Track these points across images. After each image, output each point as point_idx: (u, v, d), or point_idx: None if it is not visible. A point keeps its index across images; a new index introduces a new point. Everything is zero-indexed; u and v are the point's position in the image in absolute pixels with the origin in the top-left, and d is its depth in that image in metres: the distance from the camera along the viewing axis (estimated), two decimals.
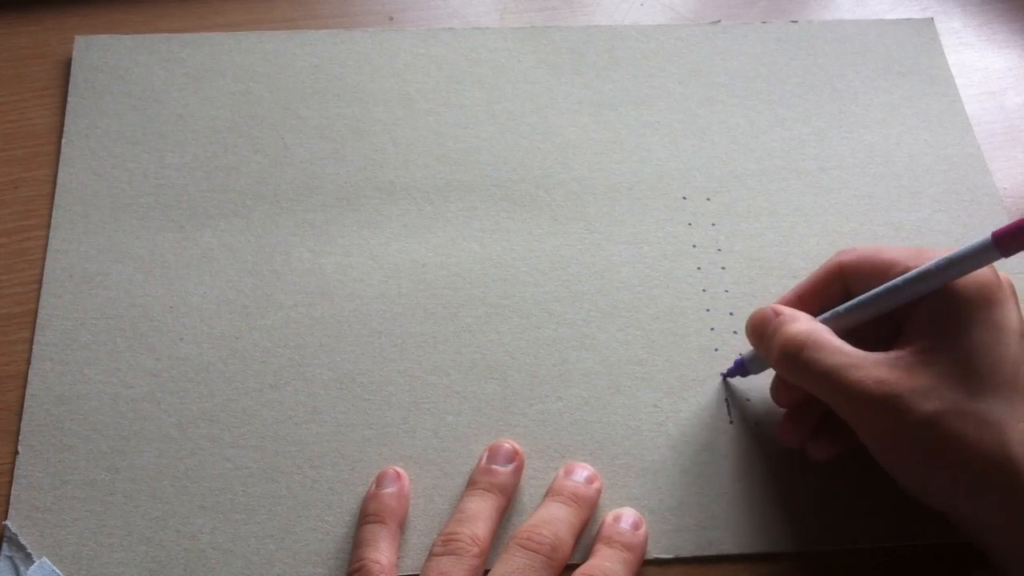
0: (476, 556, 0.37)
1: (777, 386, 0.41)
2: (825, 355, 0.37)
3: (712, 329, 0.45)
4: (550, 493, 0.40)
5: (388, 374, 0.43)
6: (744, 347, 0.45)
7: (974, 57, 0.56)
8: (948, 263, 0.36)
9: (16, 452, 0.40)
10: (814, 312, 0.40)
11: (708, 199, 0.49)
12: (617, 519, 0.40)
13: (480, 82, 0.52)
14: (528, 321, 0.45)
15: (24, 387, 0.42)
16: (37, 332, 0.43)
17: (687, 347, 0.45)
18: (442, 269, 0.46)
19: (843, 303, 0.39)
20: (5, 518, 0.39)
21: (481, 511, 0.39)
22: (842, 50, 0.55)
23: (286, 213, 0.47)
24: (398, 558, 0.39)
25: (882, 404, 0.35)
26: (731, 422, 0.43)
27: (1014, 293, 0.37)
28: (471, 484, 0.40)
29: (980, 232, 0.37)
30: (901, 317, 0.38)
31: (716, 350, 0.45)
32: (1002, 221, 0.49)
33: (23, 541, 0.38)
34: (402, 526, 0.40)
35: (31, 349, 0.43)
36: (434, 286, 0.46)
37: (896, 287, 0.37)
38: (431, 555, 0.38)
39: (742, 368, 0.43)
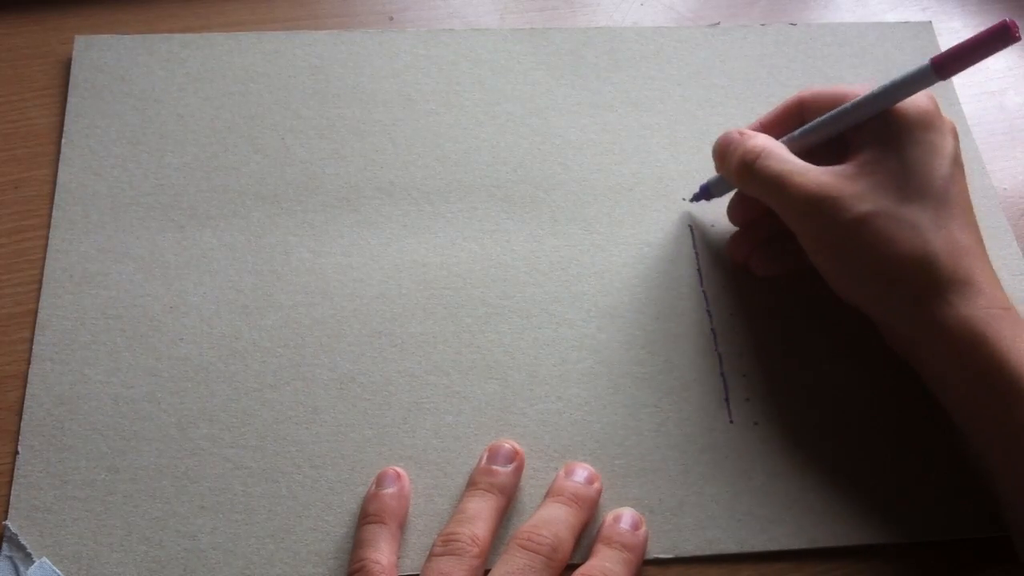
0: (476, 556, 0.37)
1: (734, 204, 0.46)
2: (776, 163, 0.41)
3: (712, 330, 0.45)
4: (550, 494, 0.40)
5: (388, 374, 0.43)
6: (748, 347, 0.45)
7: None
8: (892, 86, 0.40)
9: (16, 452, 0.40)
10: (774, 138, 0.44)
11: (708, 200, 0.49)
12: (617, 519, 0.40)
13: (480, 83, 0.52)
14: (528, 321, 0.45)
15: (24, 387, 0.42)
16: (37, 332, 0.43)
17: (687, 347, 0.45)
18: (442, 269, 0.46)
19: None
20: (5, 518, 0.39)
21: (481, 511, 0.39)
22: (841, 52, 0.55)
23: (286, 213, 0.47)
24: (398, 558, 0.39)
25: (819, 204, 0.40)
26: (731, 422, 0.43)
27: (955, 132, 0.42)
28: (471, 484, 0.40)
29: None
30: (850, 141, 0.42)
31: (716, 350, 0.45)
32: (1001, 222, 0.49)
33: (23, 541, 0.38)
34: (402, 526, 0.40)
35: (31, 349, 0.43)
36: (434, 286, 0.46)
37: (845, 111, 0.41)
38: (431, 555, 0.38)
39: (707, 192, 0.47)
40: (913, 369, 0.42)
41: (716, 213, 0.48)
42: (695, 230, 0.48)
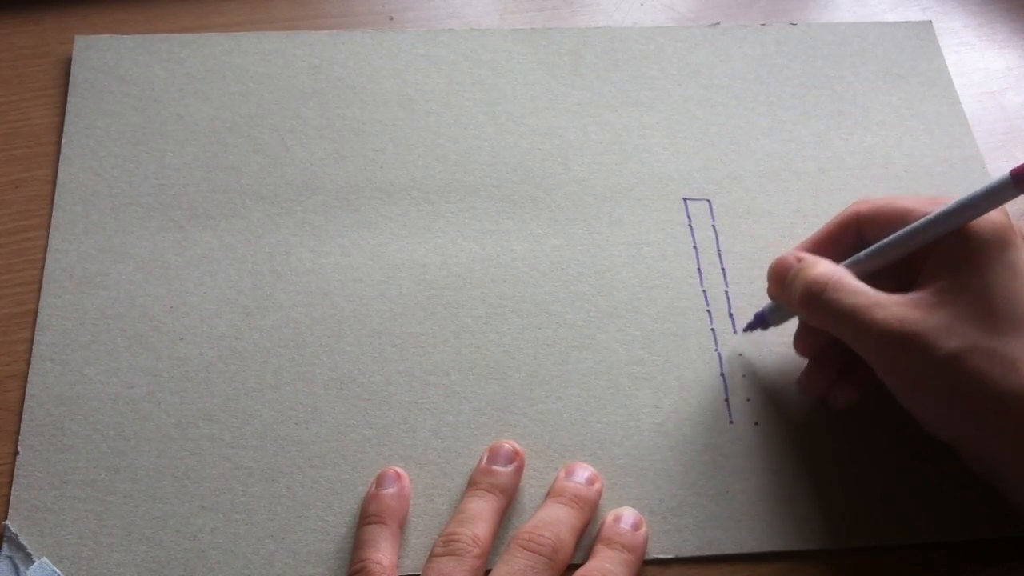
0: (477, 557, 0.37)
1: (800, 335, 0.43)
2: (847, 295, 0.38)
3: (712, 330, 0.45)
4: (551, 494, 0.40)
5: (388, 374, 0.43)
6: (747, 350, 0.45)
7: (974, 57, 0.56)
8: (966, 203, 0.36)
9: (16, 452, 0.40)
10: (830, 259, 0.40)
11: (708, 200, 0.49)
12: (617, 519, 0.40)
13: (480, 83, 0.52)
14: (528, 321, 0.45)
15: (24, 387, 0.42)
16: (37, 332, 0.43)
17: (687, 347, 0.45)
18: (442, 269, 0.46)
19: (857, 250, 0.40)
20: (5, 518, 0.39)
21: (482, 511, 0.39)
22: (841, 52, 0.55)
23: (286, 213, 0.47)
24: (399, 558, 0.39)
25: (904, 342, 0.36)
26: (731, 422, 0.43)
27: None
28: (472, 484, 0.40)
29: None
30: (917, 262, 0.39)
31: (716, 350, 0.45)
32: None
33: (23, 541, 0.38)
34: (403, 526, 0.40)
35: (31, 349, 0.43)
36: (434, 286, 0.46)
37: (916, 230, 0.38)
38: (432, 556, 0.38)
39: (762, 320, 0.44)
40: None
41: (719, 212, 0.48)
42: (695, 230, 0.48)
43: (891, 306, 0.37)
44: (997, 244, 0.37)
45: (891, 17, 0.57)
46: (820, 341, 0.42)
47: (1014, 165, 0.35)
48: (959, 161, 0.51)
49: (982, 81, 0.55)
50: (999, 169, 0.51)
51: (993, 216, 0.37)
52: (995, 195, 0.36)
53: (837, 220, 0.42)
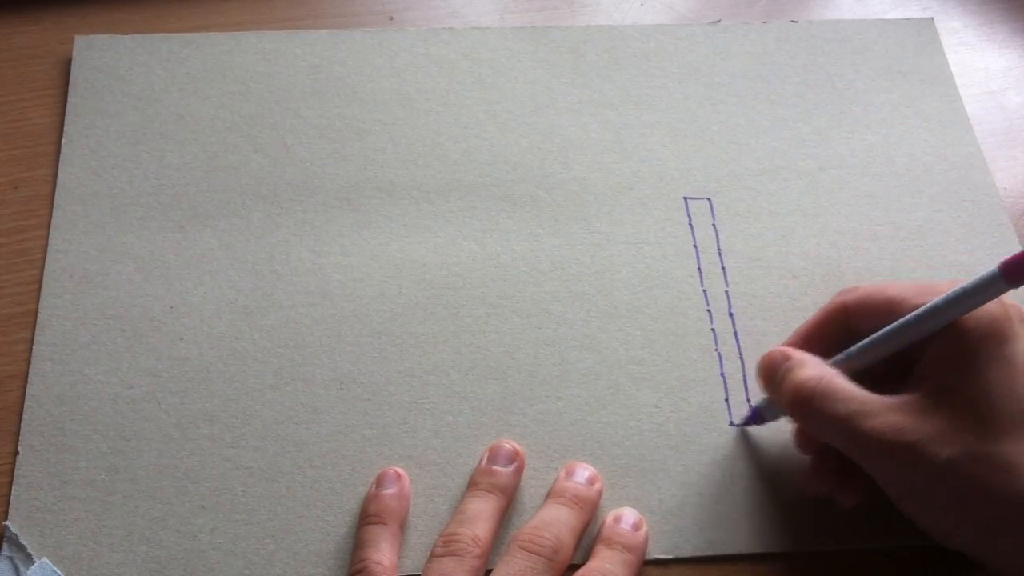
0: (477, 557, 0.37)
1: (798, 435, 0.41)
2: (837, 404, 0.36)
3: (712, 329, 0.45)
4: (551, 495, 0.40)
5: (388, 374, 0.43)
6: (747, 347, 0.45)
7: (974, 57, 0.56)
8: (956, 298, 0.35)
9: (16, 452, 0.40)
10: (820, 352, 0.39)
11: (708, 199, 0.49)
12: (617, 520, 0.40)
13: (480, 82, 0.52)
14: (528, 321, 0.45)
15: (24, 387, 0.42)
16: (37, 332, 0.43)
17: (687, 347, 0.45)
18: (442, 269, 0.46)
19: (847, 341, 0.39)
20: (5, 518, 0.39)
21: (482, 512, 0.39)
22: (842, 50, 0.55)
23: (286, 213, 0.47)
24: (399, 558, 0.39)
25: (898, 452, 0.35)
26: (731, 422, 0.43)
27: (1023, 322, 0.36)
28: (472, 485, 0.40)
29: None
30: (911, 353, 0.37)
31: (716, 350, 0.45)
32: (1002, 221, 0.49)
33: (23, 541, 0.38)
34: (403, 526, 0.40)
35: (31, 349, 0.43)
36: (434, 286, 0.46)
37: (904, 326, 0.36)
38: (432, 556, 0.38)
39: (758, 416, 0.42)
40: None
41: (720, 214, 0.48)
42: (695, 229, 0.48)
43: (883, 413, 0.35)
44: (993, 339, 0.35)
45: (892, 15, 0.57)
46: (818, 441, 0.40)
47: (1003, 258, 0.33)
48: (960, 159, 0.51)
49: (982, 81, 0.55)
50: (1000, 169, 0.51)
51: (988, 308, 0.35)
52: (984, 290, 0.34)
53: (824, 311, 0.41)
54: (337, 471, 0.41)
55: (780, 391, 0.39)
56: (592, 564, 0.38)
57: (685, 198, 0.49)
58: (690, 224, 0.48)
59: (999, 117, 0.53)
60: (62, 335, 0.43)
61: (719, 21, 0.56)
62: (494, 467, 0.40)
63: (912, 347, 0.37)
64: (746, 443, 0.42)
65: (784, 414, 0.41)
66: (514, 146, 0.50)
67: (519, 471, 0.41)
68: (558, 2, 0.57)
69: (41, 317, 0.44)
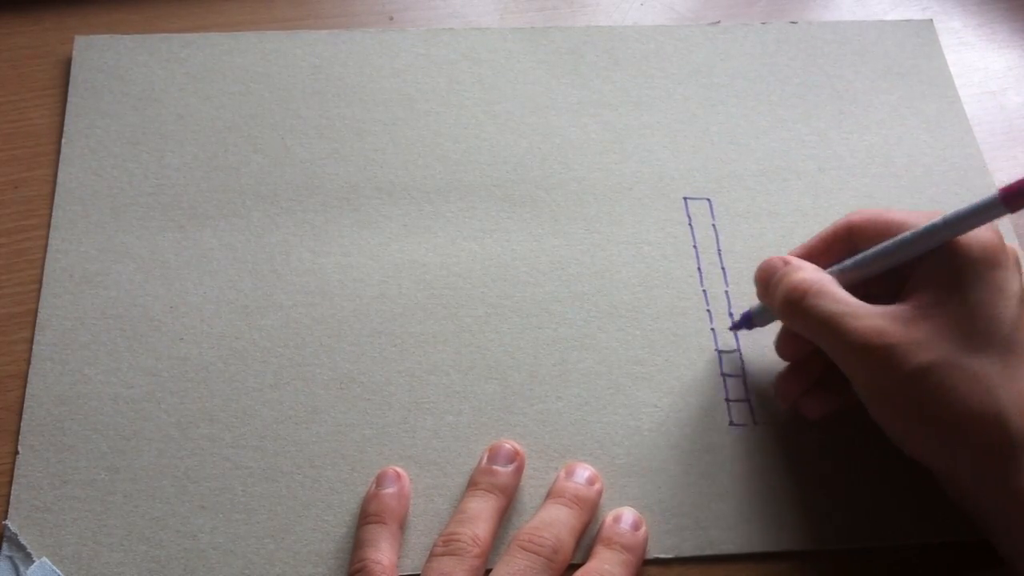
0: (477, 556, 0.37)
1: (782, 338, 0.42)
2: (827, 303, 0.38)
3: (712, 329, 0.45)
4: (551, 495, 0.40)
5: (388, 374, 0.43)
6: (746, 347, 0.45)
7: (974, 57, 0.56)
8: (954, 218, 0.36)
9: (16, 452, 0.40)
10: (821, 267, 0.40)
11: (708, 199, 0.49)
12: (617, 519, 0.40)
13: (480, 82, 0.52)
14: (528, 321, 0.45)
15: (24, 387, 0.42)
16: (37, 332, 0.43)
17: (687, 347, 0.45)
18: (442, 269, 0.46)
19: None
20: (5, 518, 0.39)
21: (482, 511, 0.39)
22: (842, 51, 0.55)
23: (286, 213, 0.47)
24: (399, 558, 0.39)
25: (878, 353, 0.36)
26: (731, 422, 0.43)
27: (1018, 264, 0.38)
28: (472, 484, 0.40)
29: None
30: (906, 275, 0.38)
31: (716, 350, 0.45)
32: (1002, 221, 0.49)
33: (23, 541, 0.38)
34: (402, 526, 0.40)
35: (31, 349, 0.43)
36: (434, 286, 0.46)
37: (902, 242, 0.38)
38: (432, 555, 0.38)
39: (748, 321, 0.44)
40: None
41: (719, 210, 0.48)
42: (695, 229, 0.48)
43: (869, 317, 0.37)
44: (984, 263, 0.36)
45: (891, 16, 0.57)
46: (802, 347, 0.41)
47: (1004, 184, 0.35)
48: (959, 160, 0.51)
49: (982, 81, 0.55)
50: (999, 169, 0.51)
51: (983, 234, 0.37)
52: (982, 213, 0.36)
53: (831, 228, 0.41)
54: (337, 471, 0.41)
55: (775, 292, 0.40)
56: (591, 564, 0.38)
57: (685, 198, 0.49)
58: (690, 224, 0.48)
59: (999, 117, 0.53)
60: (62, 335, 0.43)
61: (719, 22, 0.56)
62: (494, 467, 0.40)
63: (906, 269, 0.38)
64: (746, 443, 0.42)
65: (774, 320, 0.42)
66: (514, 146, 0.50)
67: (519, 471, 0.41)
68: (558, 2, 0.57)
69: (41, 317, 0.44)
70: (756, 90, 0.53)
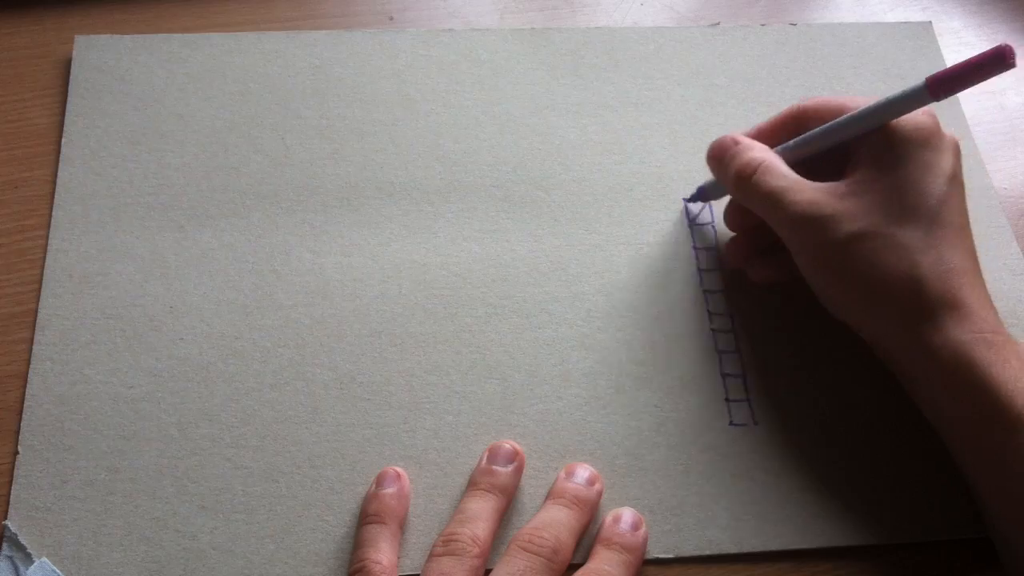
0: (477, 557, 0.37)
1: (731, 211, 0.46)
2: (772, 179, 0.41)
3: (712, 329, 0.45)
4: (551, 495, 0.40)
5: (388, 374, 0.43)
6: (746, 355, 0.45)
7: None
8: (887, 103, 0.39)
9: (16, 452, 0.40)
10: (769, 148, 0.43)
11: (704, 202, 0.49)
12: (617, 520, 0.40)
13: (480, 83, 0.52)
14: (528, 321, 0.45)
15: (24, 387, 0.42)
16: (37, 332, 0.43)
17: (687, 347, 0.45)
18: (442, 269, 0.46)
19: None
20: (5, 518, 0.39)
21: (482, 512, 0.39)
22: (841, 52, 0.55)
23: (286, 213, 0.47)
24: (399, 558, 0.39)
25: (810, 222, 0.40)
26: (731, 422, 0.43)
27: (956, 149, 0.41)
28: (472, 485, 0.40)
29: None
30: (849, 155, 0.41)
31: (716, 350, 0.45)
32: (1001, 222, 0.49)
33: (23, 541, 0.38)
34: (402, 526, 0.40)
35: (31, 349, 0.43)
36: (434, 286, 0.46)
37: (840, 124, 0.41)
38: (432, 555, 0.38)
39: (703, 193, 0.48)
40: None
41: (717, 215, 0.48)
42: (695, 230, 0.48)
43: (807, 191, 0.40)
44: (917, 143, 0.39)
45: (891, 18, 0.57)
46: (749, 220, 0.45)
47: (930, 74, 0.38)
48: None
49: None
50: (999, 169, 0.51)
51: (918, 117, 0.40)
52: (911, 99, 0.39)
53: (783, 113, 0.44)
54: (337, 471, 0.41)
55: (727, 168, 0.43)
56: (591, 565, 0.38)
57: (685, 199, 0.49)
58: (690, 225, 0.48)
59: (999, 117, 0.53)
60: (62, 335, 0.43)
61: (718, 23, 0.56)
62: (494, 467, 0.40)
63: (850, 148, 0.41)
64: (746, 443, 0.42)
65: (725, 195, 0.46)
66: (514, 147, 0.50)
67: (519, 471, 0.41)
68: (558, 3, 0.57)
69: (41, 317, 0.44)
70: (756, 91, 0.53)
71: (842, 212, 0.39)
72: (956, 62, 0.37)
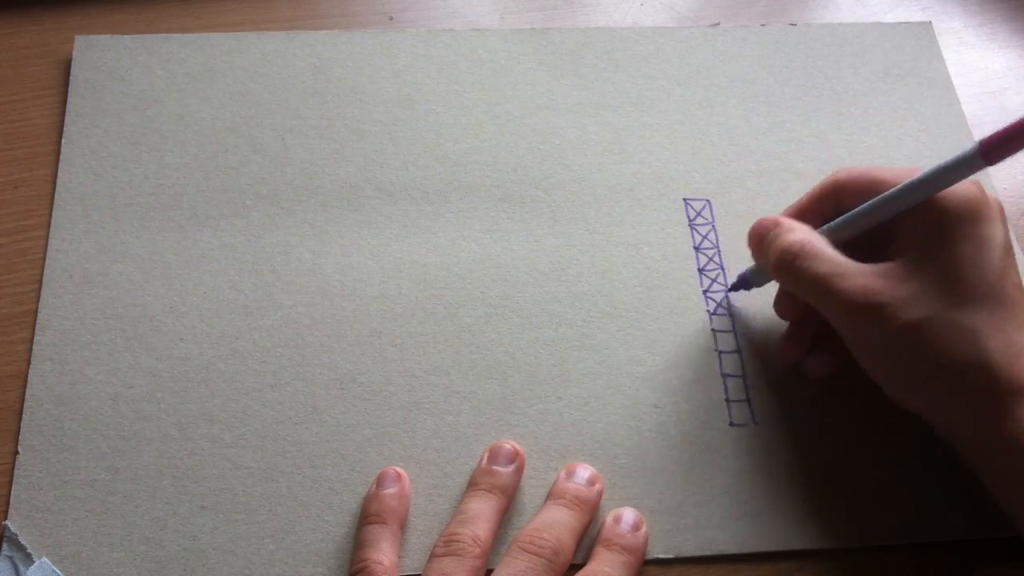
0: (478, 557, 0.37)
1: (780, 298, 0.44)
2: (818, 263, 0.39)
3: (712, 330, 0.45)
4: (552, 496, 0.40)
5: (388, 374, 0.43)
6: (747, 355, 0.45)
7: (974, 57, 0.56)
8: (935, 173, 0.37)
9: (16, 452, 0.40)
10: (812, 227, 0.41)
11: (708, 200, 0.49)
12: (617, 520, 0.40)
13: (480, 83, 0.52)
14: (528, 321, 0.45)
15: (24, 387, 0.42)
16: (37, 332, 0.43)
17: (687, 347, 0.45)
18: (442, 269, 0.46)
19: (836, 218, 0.41)
20: (5, 518, 0.39)
21: (482, 512, 0.39)
22: (841, 52, 0.55)
23: (286, 213, 0.47)
24: (399, 558, 0.39)
25: (867, 311, 0.37)
26: (731, 422, 0.43)
27: (1002, 213, 0.38)
28: (472, 485, 0.40)
29: None
30: (894, 231, 0.39)
31: (716, 350, 0.45)
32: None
33: (23, 541, 0.38)
34: (403, 526, 0.40)
35: (31, 349, 0.43)
36: (434, 286, 0.46)
37: (886, 199, 0.38)
38: (433, 556, 0.38)
39: (745, 282, 0.45)
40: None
41: (717, 214, 0.48)
42: (695, 230, 0.48)
43: (858, 276, 0.38)
44: (968, 216, 0.37)
45: (891, 17, 0.57)
46: (798, 305, 0.42)
47: (982, 137, 0.35)
48: None
49: (982, 81, 0.55)
50: (999, 169, 0.51)
51: (966, 188, 0.37)
52: (963, 166, 0.36)
53: (817, 188, 0.42)
54: (337, 471, 0.41)
55: (768, 253, 0.41)
56: (591, 567, 0.38)
57: (685, 199, 0.49)
58: (690, 225, 0.48)
59: (999, 117, 0.53)
60: (62, 335, 0.43)
61: (718, 23, 0.56)
62: (494, 467, 0.40)
63: (893, 224, 0.39)
64: (746, 443, 0.42)
65: (769, 280, 0.43)
66: (514, 147, 0.50)
67: (519, 471, 0.41)
68: (558, 3, 0.57)
69: (41, 317, 0.44)
70: (756, 91, 0.53)
71: (899, 298, 0.37)
72: (1009, 123, 0.34)
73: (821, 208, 0.42)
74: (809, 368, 0.43)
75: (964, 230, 0.37)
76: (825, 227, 0.41)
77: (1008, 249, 0.38)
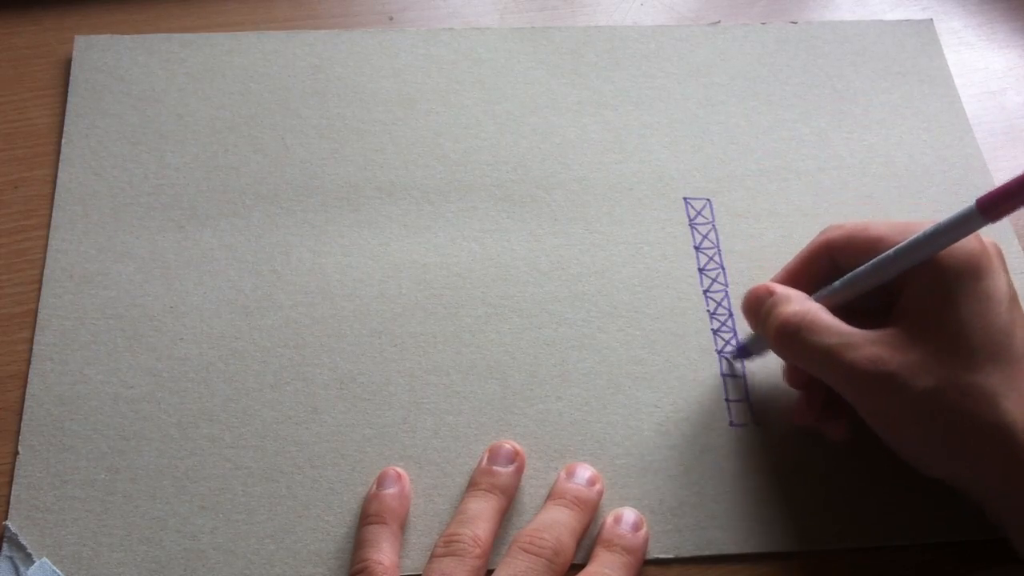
0: (478, 557, 0.37)
1: (788, 369, 0.42)
2: (820, 337, 0.37)
3: (712, 330, 0.45)
4: (552, 496, 0.40)
5: (388, 374, 0.43)
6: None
7: (974, 57, 0.56)
8: (934, 233, 0.36)
9: (16, 452, 0.40)
10: (806, 288, 0.40)
11: (708, 199, 0.49)
12: (617, 520, 0.40)
13: (480, 82, 0.52)
14: (528, 321, 0.45)
15: (24, 387, 0.42)
16: (37, 332, 0.43)
17: (687, 347, 0.45)
18: (442, 269, 0.46)
19: (832, 277, 0.39)
20: (5, 518, 0.39)
21: (482, 512, 0.39)
22: (842, 51, 0.55)
23: (286, 213, 0.47)
24: (400, 558, 0.39)
25: (877, 382, 0.36)
26: (731, 422, 0.43)
27: (1002, 259, 0.37)
28: (472, 485, 0.40)
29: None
30: (894, 289, 0.38)
31: (716, 350, 0.45)
32: (1001, 222, 0.49)
33: (23, 541, 0.38)
34: (403, 526, 0.40)
35: (31, 349, 0.43)
36: (434, 286, 0.46)
37: (884, 262, 0.37)
38: (433, 556, 0.38)
39: (745, 352, 0.44)
40: None
41: (715, 209, 0.48)
42: (695, 229, 0.48)
43: (864, 345, 0.36)
44: (970, 274, 0.36)
45: (891, 16, 0.57)
46: (807, 375, 0.40)
47: (980, 194, 0.34)
48: (959, 160, 0.51)
49: (982, 80, 0.55)
50: (1000, 169, 0.51)
51: (966, 244, 0.36)
52: (962, 225, 0.35)
53: (809, 248, 0.41)
54: (337, 471, 0.41)
55: (766, 327, 0.39)
56: (591, 568, 0.38)
57: (685, 198, 0.49)
58: (690, 224, 0.48)
59: (999, 117, 0.53)
60: (62, 335, 0.43)
61: (719, 22, 0.56)
62: (494, 467, 0.40)
63: (893, 283, 0.37)
64: (746, 443, 0.42)
65: (769, 349, 0.41)
66: (514, 146, 0.50)
67: (519, 471, 0.41)
68: (558, 2, 0.57)
69: (41, 317, 0.44)
70: (756, 90, 0.53)
71: (908, 366, 0.35)
72: (1006, 181, 0.33)
73: (813, 268, 0.41)
74: (828, 434, 0.41)
75: (966, 288, 0.36)
76: (822, 292, 0.39)
77: (1013, 299, 0.36)
